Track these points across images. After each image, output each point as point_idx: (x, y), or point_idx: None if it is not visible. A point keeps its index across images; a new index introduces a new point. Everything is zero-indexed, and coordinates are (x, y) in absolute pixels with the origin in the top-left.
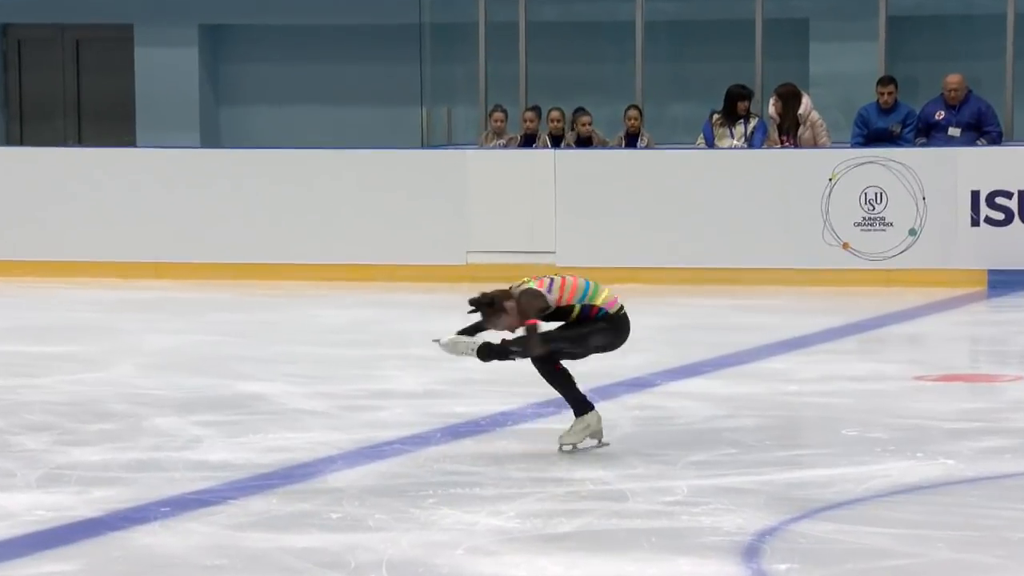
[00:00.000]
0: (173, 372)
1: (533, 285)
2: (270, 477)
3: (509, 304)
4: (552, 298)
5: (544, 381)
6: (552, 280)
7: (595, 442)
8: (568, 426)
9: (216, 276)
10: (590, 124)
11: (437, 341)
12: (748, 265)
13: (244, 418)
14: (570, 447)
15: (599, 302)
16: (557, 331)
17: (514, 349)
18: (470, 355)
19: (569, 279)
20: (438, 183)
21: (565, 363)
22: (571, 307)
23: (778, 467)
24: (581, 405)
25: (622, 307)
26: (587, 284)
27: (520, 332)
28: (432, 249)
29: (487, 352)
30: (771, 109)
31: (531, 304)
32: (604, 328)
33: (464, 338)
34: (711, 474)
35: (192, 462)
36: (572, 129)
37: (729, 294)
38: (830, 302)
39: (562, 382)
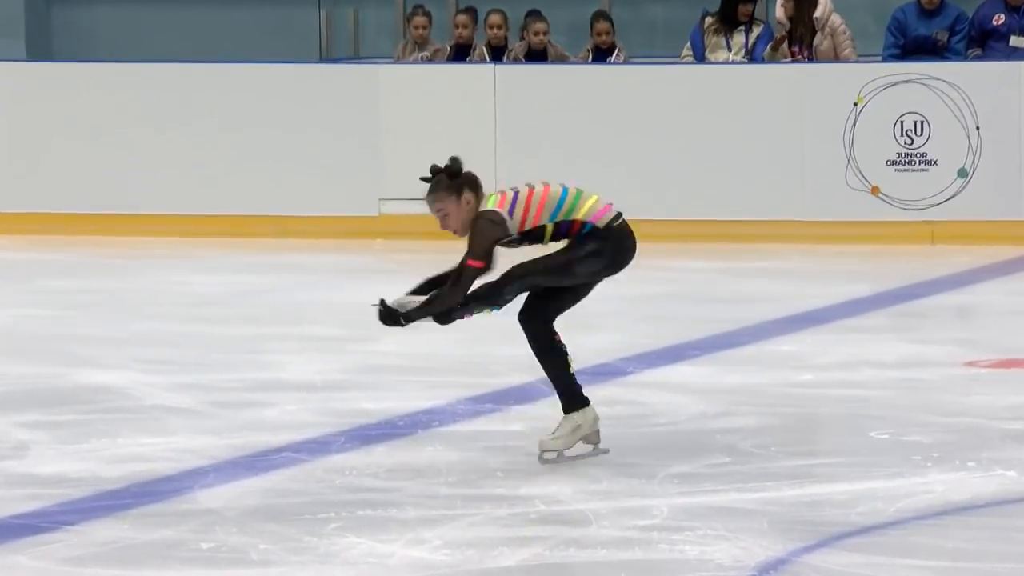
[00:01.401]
0: None
1: (494, 202)
2: (121, 495)
3: (467, 198)
4: (512, 224)
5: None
6: (516, 194)
7: (589, 448)
8: (553, 427)
9: (48, 230)
10: (546, 33)
11: (378, 306)
12: (748, 217)
13: (85, 418)
14: (554, 456)
15: (581, 214)
16: (532, 264)
17: (467, 304)
18: (423, 319)
19: (539, 189)
20: (342, 108)
21: (567, 317)
22: (542, 228)
23: (787, 480)
24: (572, 399)
25: (618, 215)
26: (563, 193)
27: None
28: (335, 195)
29: (446, 314)
30: (779, 12)
31: (481, 236)
32: (593, 250)
33: (415, 298)
34: (699, 490)
35: (17, 476)
36: (521, 39)
37: (724, 254)
38: (855, 264)
39: (555, 363)
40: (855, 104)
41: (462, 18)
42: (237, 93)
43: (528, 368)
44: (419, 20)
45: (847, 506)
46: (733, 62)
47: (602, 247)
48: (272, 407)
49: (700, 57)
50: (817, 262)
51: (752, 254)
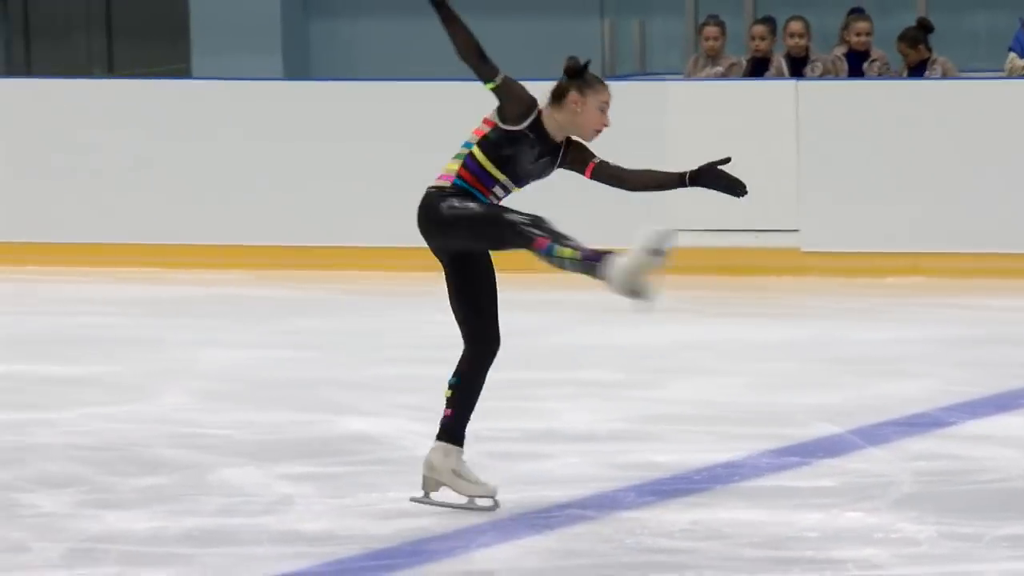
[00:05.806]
0: (242, 403)
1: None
2: (391, 554)
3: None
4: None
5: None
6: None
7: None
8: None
9: (297, 264)
10: (869, 34)
11: None
12: None
13: (349, 469)
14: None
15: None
16: None
17: None
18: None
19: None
20: (626, 128)
21: None
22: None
23: None
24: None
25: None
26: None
27: None
28: (616, 225)
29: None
30: None
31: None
32: None
33: None
34: None
35: (281, 532)
36: (842, 41)
37: None
38: None
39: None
40: None
41: (759, 29)
42: None
43: (835, 417)
44: (711, 31)
45: None
46: None
47: None
48: (551, 458)
49: None
50: None
51: None
